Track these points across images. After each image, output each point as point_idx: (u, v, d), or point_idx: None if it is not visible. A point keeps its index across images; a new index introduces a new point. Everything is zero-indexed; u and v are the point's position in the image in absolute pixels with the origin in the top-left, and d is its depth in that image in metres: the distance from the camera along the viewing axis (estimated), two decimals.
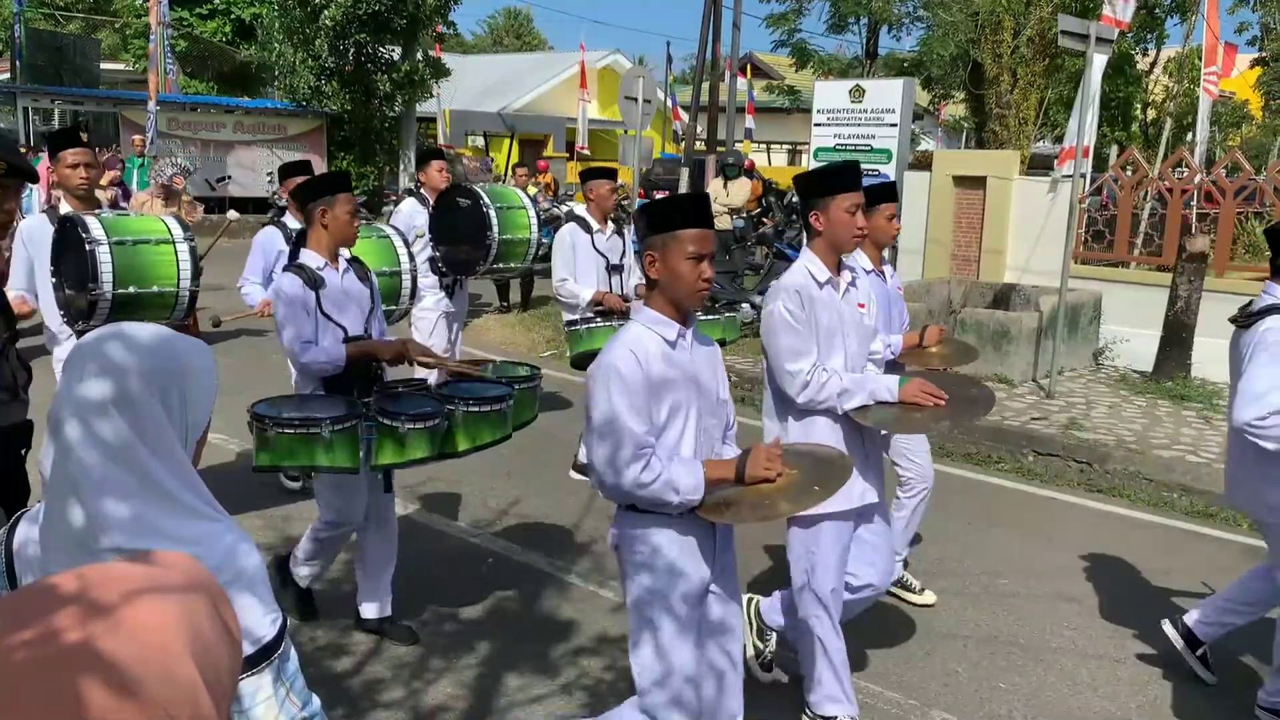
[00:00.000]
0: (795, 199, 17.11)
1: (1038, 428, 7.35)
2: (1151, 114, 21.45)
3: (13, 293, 6.57)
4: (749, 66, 27.51)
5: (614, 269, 6.26)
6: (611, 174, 6.53)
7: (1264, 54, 20.89)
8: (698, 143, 18.48)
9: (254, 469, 3.73)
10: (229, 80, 23.41)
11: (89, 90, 17.46)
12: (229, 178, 16.44)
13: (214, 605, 1.01)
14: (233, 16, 24.42)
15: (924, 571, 5.13)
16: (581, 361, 5.72)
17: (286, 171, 6.25)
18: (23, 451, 3.79)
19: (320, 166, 14.94)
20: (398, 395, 4.03)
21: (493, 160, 25.05)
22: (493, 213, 6.01)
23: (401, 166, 17.48)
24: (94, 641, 0.89)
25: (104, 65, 21.40)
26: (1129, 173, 10.68)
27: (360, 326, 4.09)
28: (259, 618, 1.49)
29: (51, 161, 4.70)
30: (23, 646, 0.87)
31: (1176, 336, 8.75)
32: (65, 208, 4.70)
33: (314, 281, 3.92)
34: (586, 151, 26.58)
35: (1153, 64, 20.56)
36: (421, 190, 6.73)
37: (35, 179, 3.34)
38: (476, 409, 3.86)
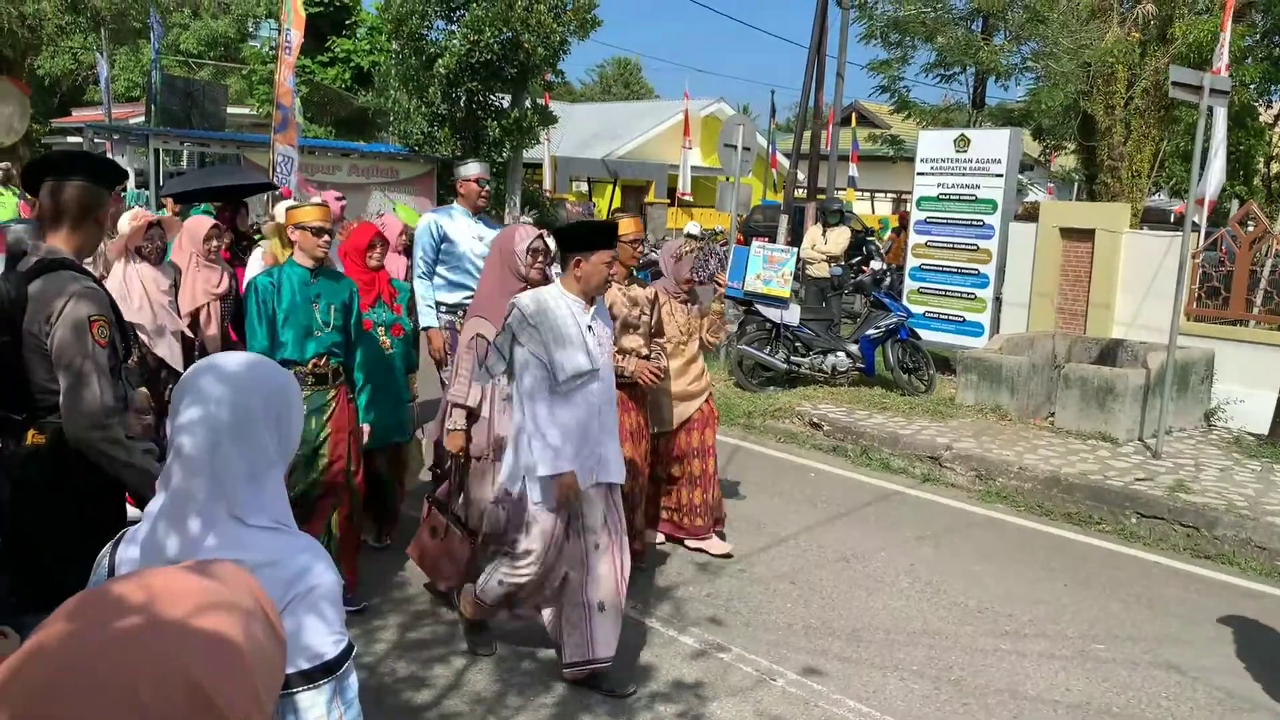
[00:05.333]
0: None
1: (1142, 488, 7.07)
2: (1276, 168, 20.64)
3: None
4: (854, 115, 27.43)
5: None
6: None
7: None
8: (798, 190, 18.45)
9: None
10: (346, 125, 24.33)
11: (215, 133, 18.35)
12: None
13: (266, 613, 1.07)
14: (352, 64, 25.46)
15: (1015, 633, 4.97)
16: None
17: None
18: None
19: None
20: None
21: (595, 205, 25.48)
22: None
23: (506, 210, 17.84)
24: (169, 653, 0.94)
25: (230, 109, 22.46)
26: (1248, 228, 10.29)
27: None
28: (323, 636, 1.52)
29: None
30: (101, 657, 0.93)
31: None
32: None
33: None
34: (689, 197, 26.83)
35: (1277, 116, 19.80)
36: None
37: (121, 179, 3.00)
38: None
